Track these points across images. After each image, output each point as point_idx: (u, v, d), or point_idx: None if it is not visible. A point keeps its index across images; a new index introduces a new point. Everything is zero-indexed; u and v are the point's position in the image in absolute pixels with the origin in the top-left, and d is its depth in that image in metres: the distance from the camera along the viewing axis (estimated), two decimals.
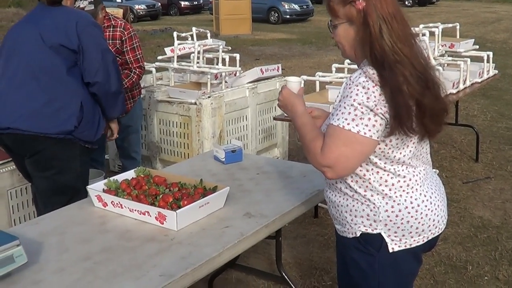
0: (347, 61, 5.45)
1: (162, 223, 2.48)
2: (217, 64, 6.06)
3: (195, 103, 5.28)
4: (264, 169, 3.27)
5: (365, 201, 2.13)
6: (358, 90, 2.01)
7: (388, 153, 2.08)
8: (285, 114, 4.82)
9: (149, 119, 5.74)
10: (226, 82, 5.71)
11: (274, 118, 5.37)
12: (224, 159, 3.38)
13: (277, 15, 25.80)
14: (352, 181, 2.14)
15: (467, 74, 5.76)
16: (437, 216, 2.18)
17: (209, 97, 5.26)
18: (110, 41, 4.61)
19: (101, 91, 3.43)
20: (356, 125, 1.99)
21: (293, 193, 2.89)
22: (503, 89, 10.37)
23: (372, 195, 2.12)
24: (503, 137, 7.44)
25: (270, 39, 19.45)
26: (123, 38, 4.71)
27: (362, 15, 2.05)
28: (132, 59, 4.75)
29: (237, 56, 6.17)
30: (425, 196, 2.15)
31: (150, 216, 2.52)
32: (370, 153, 2.06)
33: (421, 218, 2.14)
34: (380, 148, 2.07)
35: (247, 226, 2.48)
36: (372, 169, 2.11)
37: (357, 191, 2.14)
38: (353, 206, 2.17)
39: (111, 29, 4.70)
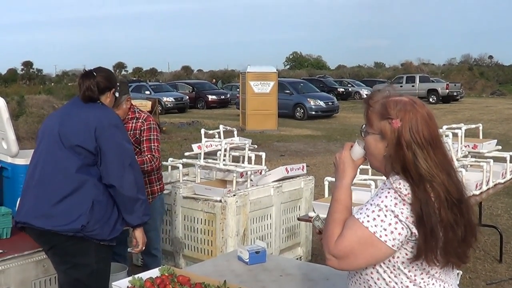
0: None
1: None
2: (243, 162, 6.18)
3: (220, 201, 5.36)
4: (287, 271, 3.30)
5: None
6: (389, 193, 2.02)
7: (418, 263, 2.05)
8: (309, 215, 4.91)
9: (174, 215, 5.81)
10: (251, 180, 5.80)
11: (298, 219, 5.42)
12: (248, 260, 3.42)
13: (302, 111, 26.18)
14: None
15: (490, 175, 5.79)
16: None
17: (234, 195, 5.34)
18: (132, 132, 4.80)
19: (116, 195, 3.48)
20: (375, 226, 1.99)
21: None
22: None
23: None
24: None
25: (295, 135, 19.68)
26: (142, 128, 4.85)
27: (396, 135, 2.04)
28: (145, 148, 4.83)
29: (263, 154, 6.28)
30: None
31: None
32: (381, 259, 2.05)
33: None
34: (408, 258, 2.04)
35: None
36: (402, 282, 2.07)
37: None
38: None
39: (135, 120, 4.88)
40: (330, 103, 27.18)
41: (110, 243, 3.52)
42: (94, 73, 3.70)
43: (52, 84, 57.25)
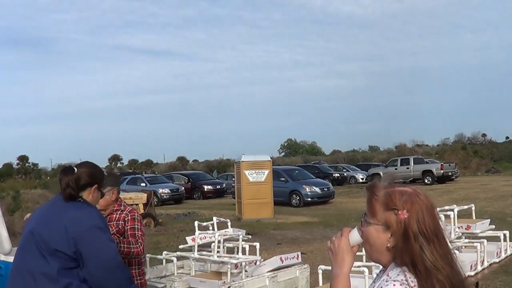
0: None
1: None
2: (237, 253, 6.17)
3: None
4: None
5: None
6: (394, 286, 1.97)
7: None
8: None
9: None
10: (246, 271, 5.78)
11: None
12: None
13: (298, 198, 26.22)
14: None
15: (485, 255, 5.78)
16: None
17: (229, 287, 5.31)
18: (115, 222, 4.90)
19: None
20: None
21: None
22: None
23: None
24: None
25: (292, 222, 19.60)
26: (126, 219, 4.94)
27: (403, 226, 2.01)
28: (129, 235, 4.88)
29: (257, 245, 6.28)
30: None
31: None
32: None
33: None
34: None
35: None
36: None
37: None
38: None
39: (119, 212, 4.99)
40: (325, 189, 27.27)
41: None
42: (75, 169, 3.66)
43: (48, 178, 57.40)
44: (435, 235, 2.01)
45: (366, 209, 2.15)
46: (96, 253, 3.40)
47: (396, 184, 2.14)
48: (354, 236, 2.20)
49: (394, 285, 1.99)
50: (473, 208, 6.98)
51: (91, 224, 3.45)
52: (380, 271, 2.25)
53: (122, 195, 7.55)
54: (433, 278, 1.96)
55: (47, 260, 3.36)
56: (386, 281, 2.02)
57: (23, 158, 79.38)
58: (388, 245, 2.06)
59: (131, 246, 4.76)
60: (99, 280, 3.39)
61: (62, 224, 3.41)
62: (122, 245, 4.66)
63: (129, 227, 4.93)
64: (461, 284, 2.05)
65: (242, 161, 21.87)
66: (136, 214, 5.07)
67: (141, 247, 4.86)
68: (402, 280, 1.98)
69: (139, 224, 5.01)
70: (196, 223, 6.68)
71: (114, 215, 4.96)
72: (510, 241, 6.48)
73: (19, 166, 77.75)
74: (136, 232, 4.93)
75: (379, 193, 2.11)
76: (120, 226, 4.92)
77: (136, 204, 17.85)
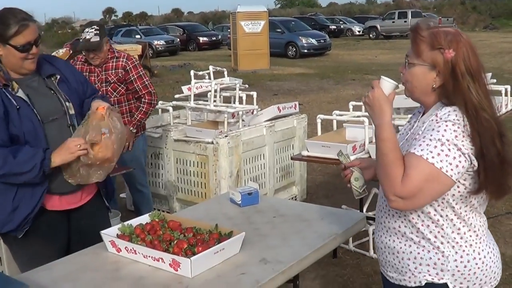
0: None
1: (177, 270, 2.43)
2: (234, 102, 6.06)
3: (212, 142, 5.27)
4: (280, 212, 3.21)
5: (434, 248, 2.09)
6: (447, 126, 1.97)
7: (467, 197, 2.05)
8: (302, 154, 4.81)
9: (166, 158, 5.72)
10: (243, 120, 5.69)
11: (292, 158, 5.33)
12: (240, 202, 3.33)
13: (295, 49, 25.93)
14: (423, 225, 2.09)
15: None
16: (497, 268, 2.18)
17: (226, 136, 5.24)
18: (113, 71, 4.86)
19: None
20: (441, 161, 1.94)
21: (311, 237, 2.82)
22: None
23: (442, 243, 2.08)
24: None
25: (288, 73, 19.51)
26: (127, 68, 4.88)
27: (450, 66, 2.00)
28: (140, 86, 4.90)
29: (254, 94, 6.16)
30: (489, 247, 2.15)
31: (164, 262, 2.47)
32: (444, 193, 2.01)
33: (486, 270, 2.12)
34: (459, 192, 2.02)
35: (263, 273, 2.41)
36: (447, 215, 2.06)
37: (426, 237, 2.09)
38: (419, 253, 2.11)
39: (115, 59, 4.90)
40: (322, 41, 26.92)
41: (16, 234, 2.96)
42: None
43: (42, 32, 56.52)
44: (479, 74, 2.02)
45: (409, 50, 2.12)
46: None
47: (438, 25, 2.13)
48: (385, 84, 2.15)
49: (446, 125, 1.99)
50: None
51: None
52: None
53: (117, 47, 7.38)
54: (481, 117, 1.97)
55: None
56: (437, 122, 2.01)
57: None
58: (434, 85, 2.07)
59: (150, 108, 4.95)
60: None
61: None
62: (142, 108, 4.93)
63: (135, 76, 4.89)
64: (502, 125, 2.05)
65: (237, 12, 21.40)
66: (134, 60, 4.99)
67: (155, 98, 5.00)
68: (454, 120, 1.99)
69: (141, 69, 5.00)
70: (192, 72, 6.53)
71: (110, 64, 4.88)
72: (511, 96, 6.38)
73: None
74: (144, 80, 4.94)
75: (424, 34, 2.09)
76: (120, 75, 4.86)
77: None
